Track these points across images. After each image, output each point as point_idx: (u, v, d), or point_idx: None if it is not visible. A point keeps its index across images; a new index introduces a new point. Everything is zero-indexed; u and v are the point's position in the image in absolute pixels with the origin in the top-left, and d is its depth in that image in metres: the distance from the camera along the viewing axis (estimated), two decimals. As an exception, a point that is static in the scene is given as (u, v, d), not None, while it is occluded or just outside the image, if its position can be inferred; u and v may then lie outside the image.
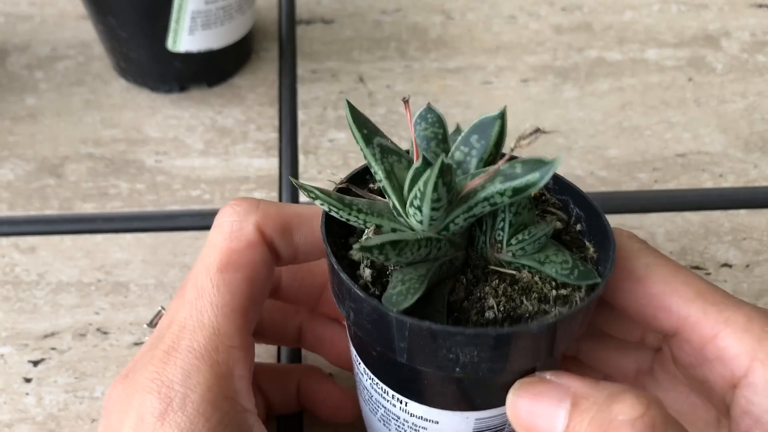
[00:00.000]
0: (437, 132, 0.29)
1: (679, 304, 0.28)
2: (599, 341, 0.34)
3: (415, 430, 0.29)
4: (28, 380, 0.39)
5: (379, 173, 0.26)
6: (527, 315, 0.26)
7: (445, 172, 0.24)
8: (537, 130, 0.26)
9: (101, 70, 0.53)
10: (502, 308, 0.26)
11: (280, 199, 0.46)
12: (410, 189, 0.26)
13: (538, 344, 0.26)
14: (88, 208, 0.46)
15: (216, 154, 0.48)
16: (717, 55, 0.54)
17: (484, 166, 0.27)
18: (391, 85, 0.52)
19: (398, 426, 0.30)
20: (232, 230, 0.29)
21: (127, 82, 0.52)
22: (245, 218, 0.29)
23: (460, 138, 0.28)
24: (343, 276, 0.26)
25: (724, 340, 0.27)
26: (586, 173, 0.47)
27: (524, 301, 0.27)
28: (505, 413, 0.28)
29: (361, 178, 0.30)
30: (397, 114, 0.50)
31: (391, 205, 0.27)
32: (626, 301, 0.29)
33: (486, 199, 0.25)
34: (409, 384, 0.28)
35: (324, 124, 0.50)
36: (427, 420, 0.29)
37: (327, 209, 0.26)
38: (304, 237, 0.30)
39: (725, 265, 0.43)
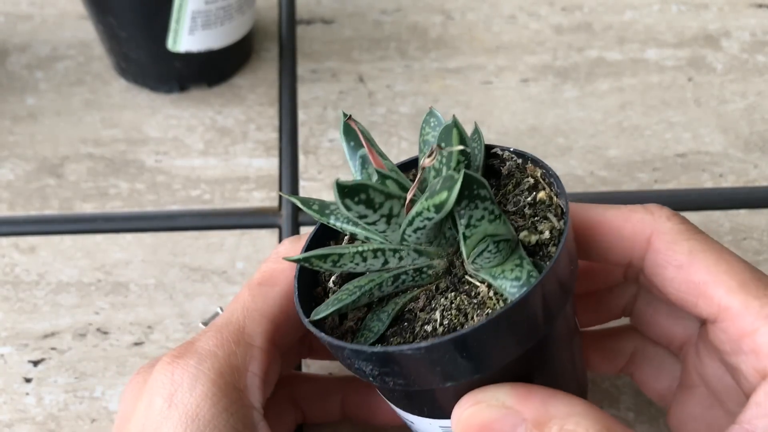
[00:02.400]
0: (436, 135, 0.29)
1: (721, 294, 0.28)
2: (652, 305, 0.34)
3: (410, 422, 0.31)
4: (28, 380, 0.39)
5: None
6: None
7: (350, 192, 0.24)
8: (436, 148, 0.26)
9: (101, 70, 0.53)
10: (446, 322, 0.26)
11: (280, 199, 0.46)
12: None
13: (431, 364, 0.25)
14: (88, 208, 0.46)
15: (216, 154, 0.48)
16: (717, 55, 0.54)
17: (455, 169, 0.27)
18: (391, 85, 0.52)
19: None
20: (278, 254, 0.31)
21: (127, 82, 0.52)
22: (291, 246, 0.32)
23: (421, 152, 0.28)
24: (297, 305, 0.28)
25: (763, 336, 0.27)
26: (586, 173, 0.47)
27: (474, 316, 0.26)
28: None
29: (406, 168, 0.31)
30: (397, 114, 0.50)
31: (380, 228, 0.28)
32: (667, 287, 0.29)
33: (419, 214, 0.25)
34: (398, 399, 0.30)
35: (324, 124, 0.50)
36: (408, 420, 0.31)
37: (319, 219, 0.28)
38: None
39: (725, 265, 0.43)
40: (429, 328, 0.27)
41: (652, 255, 0.29)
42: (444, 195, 0.24)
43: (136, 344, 0.40)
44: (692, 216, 0.45)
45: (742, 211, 0.46)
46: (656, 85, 0.52)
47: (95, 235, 0.44)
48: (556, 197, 0.29)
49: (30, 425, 0.37)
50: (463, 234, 0.26)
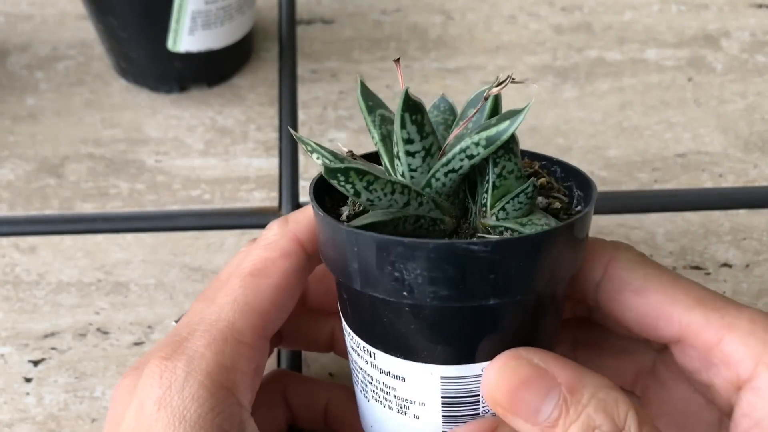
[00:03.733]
0: (447, 119, 0.29)
1: (680, 312, 0.28)
2: (596, 348, 0.34)
3: (387, 392, 0.28)
4: (28, 380, 0.39)
5: (375, 136, 0.27)
6: None
7: (413, 107, 0.24)
8: (508, 77, 0.26)
9: (101, 70, 0.53)
10: None
11: (280, 199, 0.46)
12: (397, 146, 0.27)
13: (494, 269, 0.25)
14: (88, 208, 0.46)
15: (216, 154, 0.48)
16: (717, 55, 0.54)
17: None
18: (391, 85, 0.52)
19: (373, 390, 0.29)
20: (268, 242, 0.30)
21: (127, 82, 0.52)
22: (281, 231, 0.30)
23: (459, 115, 0.28)
24: (314, 204, 0.27)
25: (729, 344, 0.27)
26: (586, 173, 0.47)
27: None
28: (475, 382, 0.27)
29: (371, 159, 0.31)
30: (397, 114, 0.50)
31: (383, 167, 0.27)
32: (625, 312, 0.29)
33: (462, 150, 0.25)
34: (373, 326, 0.28)
35: (324, 124, 0.50)
36: (395, 377, 0.28)
37: (320, 162, 0.27)
38: None
39: (725, 265, 0.43)
40: None
41: (608, 281, 0.29)
42: (504, 124, 0.25)
43: (136, 344, 0.40)
44: (692, 216, 0.45)
45: (742, 211, 0.46)
46: (656, 85, 0.52)
47: (95, 235, 0.44)
48: (557, 182, 0.30)
49: (30, 425, 0.37)
50: (493, 183, 0.26)
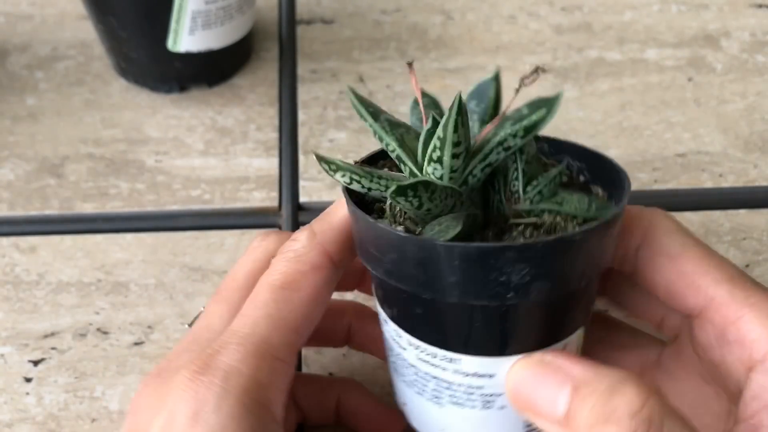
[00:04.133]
0: (435, 112, 0.29)
1: (708, 284, 0.28)
2: (599, 343, 0.34)
3: (470, 392, 0.29)
4: (28, 380, 0.39)
5: (392, 143, 0.27)
6: None
7: (464, 111, 0.25)
8: (537, 69, 0.27)
9: (101, 70, 0.53)
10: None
11: (280, 199, 0.46)
12: (424, 151, 0.26)
13: (583, 255, 0.26)
14: (88, 208, 0.46)
15: (216, 154, 0.48)
16: (717, 55, 0.54)
17: None
18: (391, 85, 0.52)
19: (452, 395, 0.29)
20: (297, 254, 0.30)
21: (127, 82, 0.52)
22: (310, 243, 0.30)
23: (456, 109, 0.28)
24: (381, 225, 0.26)
25: (747, 324, 0.28)
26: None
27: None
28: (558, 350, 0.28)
29: (372, 161, 0.31)
30: (398, 114, 0.50)
31: (407, 172, 0.27)
32: (657, 276, 0.30)
33: (500, 143, 0.26)
34: (459, 334, 0.28)
35: (324, 124, 0.50)
36: (482, 376, 0.28)
37: (348, 180, 0.27)
38: (352, 240, 0.31)
39: (725, 265, 0.43)
40: None
41: (647, 246, 0.30)
42: (541, 113, 0.26)
43: (136, 344, 0.40)
44: (692, 216, 0.45)
45: (742, 211, 0.46)
46: (656, 85, 0.52)
47: (95, 235, 0.44)
48: (569, 178, 0.30)
49: (30, 425, 0.37)
50: (523, 170, 0.27)
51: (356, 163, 0.29)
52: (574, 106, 0.51)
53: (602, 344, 0.34)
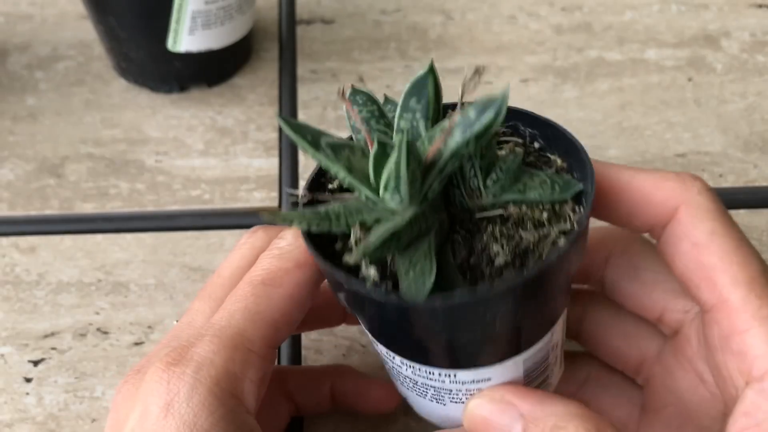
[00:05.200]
0: (372, 110, 0.28)
1: (725, 284, 0.27)
2: (602, 326, 0.33)
3: (470, 392, 0.29)
4: (28, 380, 0.39)
5: (340, 172, 0.26)
6: (532, 245, 0.27)
7: (412, 149, 0.24)
8: (477, 70, 0.26)
9: (101, 70, 0.53)
10: (507, 250, 0.26)
11: (280, 199, 0.46)
12: (376, 174, 0.26)
13: (564, 271, 0.27)
14: (88, 208, 0.46)
15: (216, 154, 0.48)
16: (717, 55, 0.54)
17: (433, 125, 0.27)
18: (391, 85, 0.52)
19: (452, 397, 0.30)
20: (282, 252, 0.30)
21: (127, 82, 0.52)
22: (296, 241, 0.30)
23: (399, 106, 0.27)
24: (360, 288, 0.26)
25: (753, 338, 0.27)
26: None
27: (522, 233, 0.27)
28: (546, 342, 0.29)
29: (317, 183, 0.30)
30: (397, 114, 0.50)
31: (362, 197, 0.27)
32: (677, 260, 0.29)
33: (453, 155, 0.25)
34: (454, 357, 0.28)
35: (324, 124, 0.50)
36: (479, 381, 0.29)
37: (305, 228, 0.26)
38: None
39: (725, 265, 0.43)
40: (500, 261, 0.26)
41: (674, 226, 0.29)
42: (488, 117, 0.25)
43: (136, 344, 0.40)
44: (692, 216, 0.45)
45: (742, 211, 0.46)
46: (656, 85, 0.52)
47: (95, 235, 0.44)
48: (523, 147, 0.30)
49: (30, 425, 0.37)
50: (479, 165, 0.27)
51: (305, 195, 0.29)
52: (574, 106, 0.51)
53: (606, 331, 0.34)
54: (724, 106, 0.51)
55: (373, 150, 0.25)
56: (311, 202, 0.29)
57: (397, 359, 0.29)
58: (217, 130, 0.49)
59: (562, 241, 0.26)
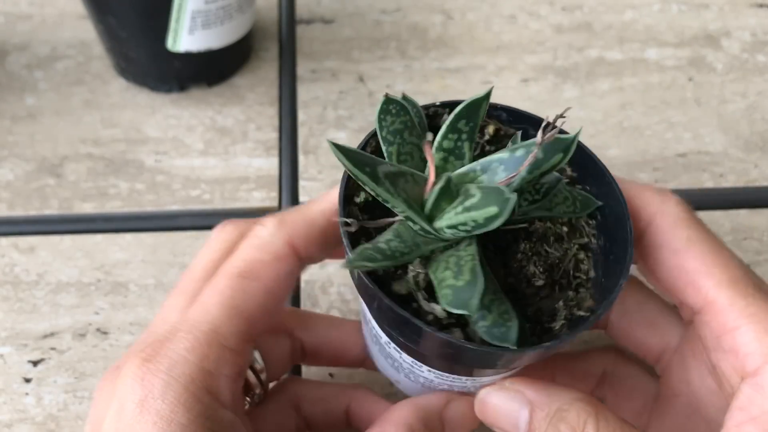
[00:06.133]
0: (405, 120, 0.28)
1: (709, 287, 0.28)
2: (627, 316, 0.34)
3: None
4: (27, 380, 0.39)
5: (399, 206, 0.25)
6: (557, 260, 0.28)
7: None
8: (553, 126, 0.26)
9: (101, 69, 0.53)
10: (540, 269, 0.28)
11: (280, 199, 0.46)
12: (436, 207, 0.26)
13: None
14: (88, 207, 0.46)
15: (216, 153, 0.48)
16: (717, 54, 0.54)
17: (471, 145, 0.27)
18: (391, 84, 0.52)
19: (468, 391, 0.31)
20: (262, 243, 0.30)
21: (127, 82, 0.52)
22: (276, 232, 0.30)
23: (446, 125, 0.27)
24: (444, 336, 0.25)
25: (744, 335, 0.27)
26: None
27: (547, 248, 0.28)
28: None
29: (347, 198, 0.29)
30: (397, 114, 0.50)
31: (417, 228, 0.26)
32: (658, 269, 0.29)
33: (516, 189, 0.26)
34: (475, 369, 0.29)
35: (324, 124, 0.50)
36: (495, 377, 0.31)
37: (373, 269, 0.25)
38: (334, 229, 0.30)
39: (726, 265, 0.43)
40: (538, 281, 0.28)
41: (652, 234, 0.29)
42: (559, 156, 0.26)
43: (136, 344, 0.40)
44: (693, 216, 0.45)
45: (743, 211, 0.46)
46: (656, 84, 0.52)
47: (95, 235, 0.44)
48: (504, 127, 0.30)
49: (30, 425, 0.37)
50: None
51: (358, 222, 0.28)
52: (575, 106, 0.51)
53: (631, 319, 0.34)
54: (725, 106, 0.51)
55: (438, 186, 0.25)
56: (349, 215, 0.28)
57: (424, 368, 0.30)
58: (216, 129, 0.49)
59: (582, 256, 0.28)
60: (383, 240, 0.25)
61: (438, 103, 0.30)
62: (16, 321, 0.41)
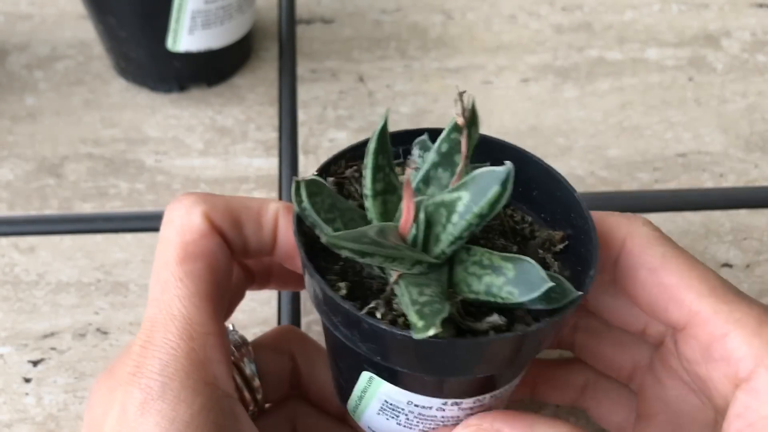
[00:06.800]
0: (326, 193, 0.28)
1: (692, 299, 0.28)
2: (594, 336, 0.34)
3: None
4: (27, 380, 0.39)
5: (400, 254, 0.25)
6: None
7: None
8: (460, 95, 0.25)
9: (101, 69, 0.53)
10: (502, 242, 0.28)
11: (280, 199, 0.46)
12: (425, 239, 0.26)
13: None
14: (88, 207, 0.46)
15: (216, 153, 0.48)
16: (717, 54, 0.54)
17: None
18: (391, 84, 0.52)
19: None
20: (182, 223, 0.29)
21: (127, 82, 0.52)
22: (193, 210, 0.29)
23: (370, 171, 0.27)
24: (398, 332, 0.25)
25: (733, 341, 0.27)
26: (587, 173, 0.47)
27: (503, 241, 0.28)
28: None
29: (327, 169, 0.30)
30: (397, 114, 0.50)
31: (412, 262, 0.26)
32: (638, 290, 0.29)
33: (469, 226, 0.25)
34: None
35: (324, 124, 0.50)
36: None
37: (358, 258, 0.25)
38: (253, 230, 0.30)
39: (726, 265, 0.43)
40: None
41: (625, 257, 0.29)
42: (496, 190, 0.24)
43: (136, 344, 0.40)
44: (693, 216, 0.45)
45: (743, 211, 0.46)
46: (657, 84, 0.52)
47: (95, 235, 0.44)
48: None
49: (29, 425, 0.37)
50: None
51: (317, 173, 0.28)
52: (575, 106, 0.51)
53: (599, 340, 0.34)
54: (725, 106, 0.51)
55: (418, 223, 0.25)
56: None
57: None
58: (216, 129, 0.49)
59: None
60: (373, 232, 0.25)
61: (351, 146, 0.30)
62: (16, 321, 0.41)
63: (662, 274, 0.28)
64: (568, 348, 0.35)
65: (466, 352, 0.25)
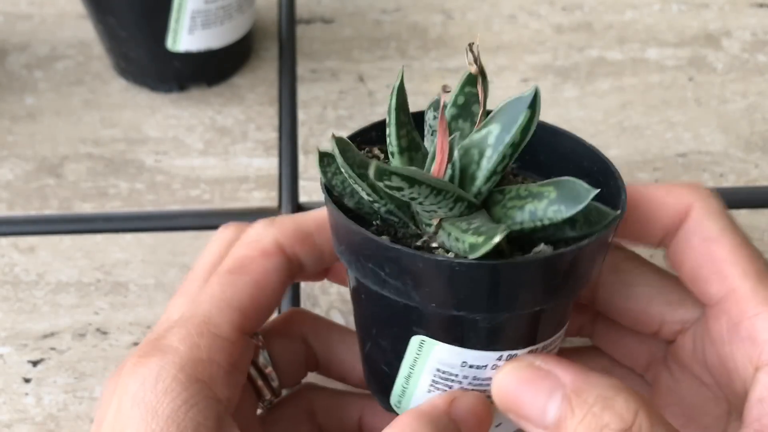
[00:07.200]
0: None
1: (735, 275, 0.28)
2: (613, 326, 0.34)
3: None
4: (27, 380, 0.39)
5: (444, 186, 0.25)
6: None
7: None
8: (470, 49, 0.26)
9: (101, 69, 0.53)
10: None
11: (280, 199, 0.46)
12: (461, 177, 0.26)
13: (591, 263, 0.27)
14: (88, 207, 0.46)
15: (216, 153, 0.48)
16: (718, 54, 0.54)
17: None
18: (391, 84, 0.52)
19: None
20: (249, 241, 0.31)
21: (127, 82, 0.52)
22: (264, 231, 0.31)
23: (393, 129, 0.27)
24: (439, 258, 0.25)
25: (763, 321, 0.27)
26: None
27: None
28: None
29: (366, 137, 0.30)
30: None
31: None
32: (687, 255, 0.29)
33: (502, 159, 0.26)
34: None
35: (324, 124, 0.50)
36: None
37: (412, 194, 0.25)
38: (326, 239, 0.31)
39: (726, 265, 0.43)
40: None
41: (687, 224, 0.29)
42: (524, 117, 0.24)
43: (136, 344, 0.40)
44: (693, 216, 0.45)
45: (743, 211, 0.46)
46: (657, 84, 0.52)
47: (95, 235, 0.44)
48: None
49: (29, 425, 0.37)
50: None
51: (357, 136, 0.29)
52: (575, 106, 0.51)
53: (616, 329, 0.34)
54: (725, 106, 0.51)
55: (453, 162, 0.26)
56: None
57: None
58: (216, 129, 0.49)
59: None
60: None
61: (360, 129, 0.31)
62: (16, 321, 0.41)
63: (714, 247, 0.29)
64: (588, 335, 0.35)
65: (526, 272, 0.25)
